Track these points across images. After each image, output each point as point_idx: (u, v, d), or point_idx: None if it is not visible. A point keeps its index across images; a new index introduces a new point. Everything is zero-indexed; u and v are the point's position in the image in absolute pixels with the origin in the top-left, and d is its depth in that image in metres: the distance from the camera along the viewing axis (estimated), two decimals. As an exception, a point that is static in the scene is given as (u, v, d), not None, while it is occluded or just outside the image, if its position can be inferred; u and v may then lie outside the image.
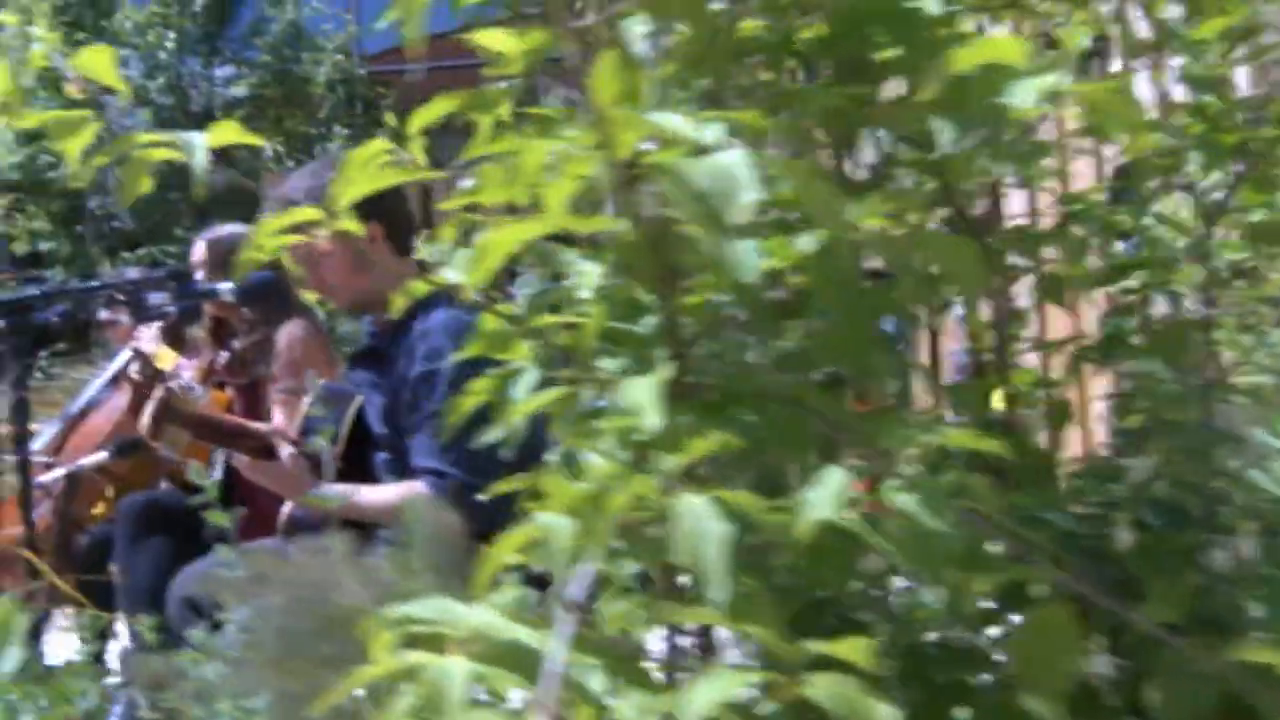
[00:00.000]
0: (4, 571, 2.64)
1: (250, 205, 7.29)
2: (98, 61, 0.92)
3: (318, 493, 2.58)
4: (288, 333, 3.39)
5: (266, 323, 3.42)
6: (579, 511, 0.63)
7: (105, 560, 3.63)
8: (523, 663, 0.60)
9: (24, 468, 2.64)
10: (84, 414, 4.31)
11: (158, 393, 2.50)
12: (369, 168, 1.06)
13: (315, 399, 2.25)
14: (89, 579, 3.40)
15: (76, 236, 9.37)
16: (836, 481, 0.67)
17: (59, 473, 3.82)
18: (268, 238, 0.86)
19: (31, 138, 9.36)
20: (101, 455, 3.83)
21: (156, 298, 2.92)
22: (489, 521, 1.67)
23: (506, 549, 0.68)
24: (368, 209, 2.81)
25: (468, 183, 0.86)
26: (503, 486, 1.25)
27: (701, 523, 0.59)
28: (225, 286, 2.80)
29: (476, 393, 0.86)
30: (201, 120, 9.98)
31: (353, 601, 1.11)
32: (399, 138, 1.09)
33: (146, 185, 0.91)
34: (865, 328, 0.70)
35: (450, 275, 0.87)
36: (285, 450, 2.61)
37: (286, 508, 2.74)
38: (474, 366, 2.72)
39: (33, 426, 3.00)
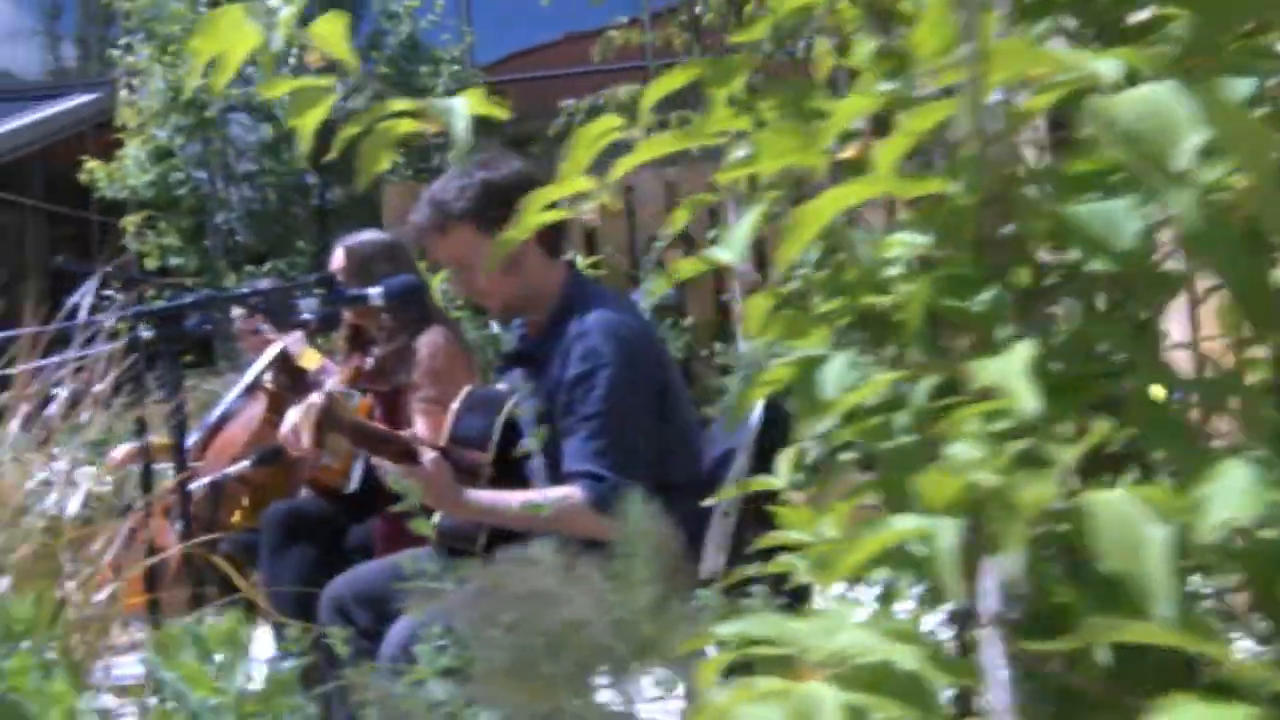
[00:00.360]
0: (164, 582, 2.63)
1: (371, 216, 7.34)
2: (331, 32, 0.86)
3: (466, 498, 2.53)
4: (428, 341, 3.36)
5: (406, 330, 3.40)
6: (968, 510, 0.53)
7: (245, 568, 3.64)
8: (904, 689, 0.51)
9: (183, 480, 2.64)
10: (221, 424, 4.35)
11: (317, 398, 2.47)
12: (598, 143, 0.98)
13: (515, 399, 2.19)
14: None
15: (203, 251, 9.60)
16: (1243, 477, 0.56)
17: (203, 482, 3.85)
18: (534, 213, 0.78)
19: (161, 156, 9.63)
20: (244, 464, 3.84)
21: (305, 303, 2.90)
22: None
23: (861, 554, 0.59)
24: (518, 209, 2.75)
25: (741, 153, 0.78)
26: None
27: (1133, 524, 0.50)
28: (374, 291, 2.76)
29: (768, 382, 0.77)
30: (321, 133, 10.13)
31: (577, 615, 1.04)
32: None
33: (386, 162, 0.85)
34: (1265, 290, 0.60)
35: (720, 254, 0.78)
36: (428, 456, 2.57)
37: (436, 517, 2.70)
38: (634, 369, 2.65)
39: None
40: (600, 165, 0.96)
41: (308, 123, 0.86)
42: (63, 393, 1.61)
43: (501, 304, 2.67)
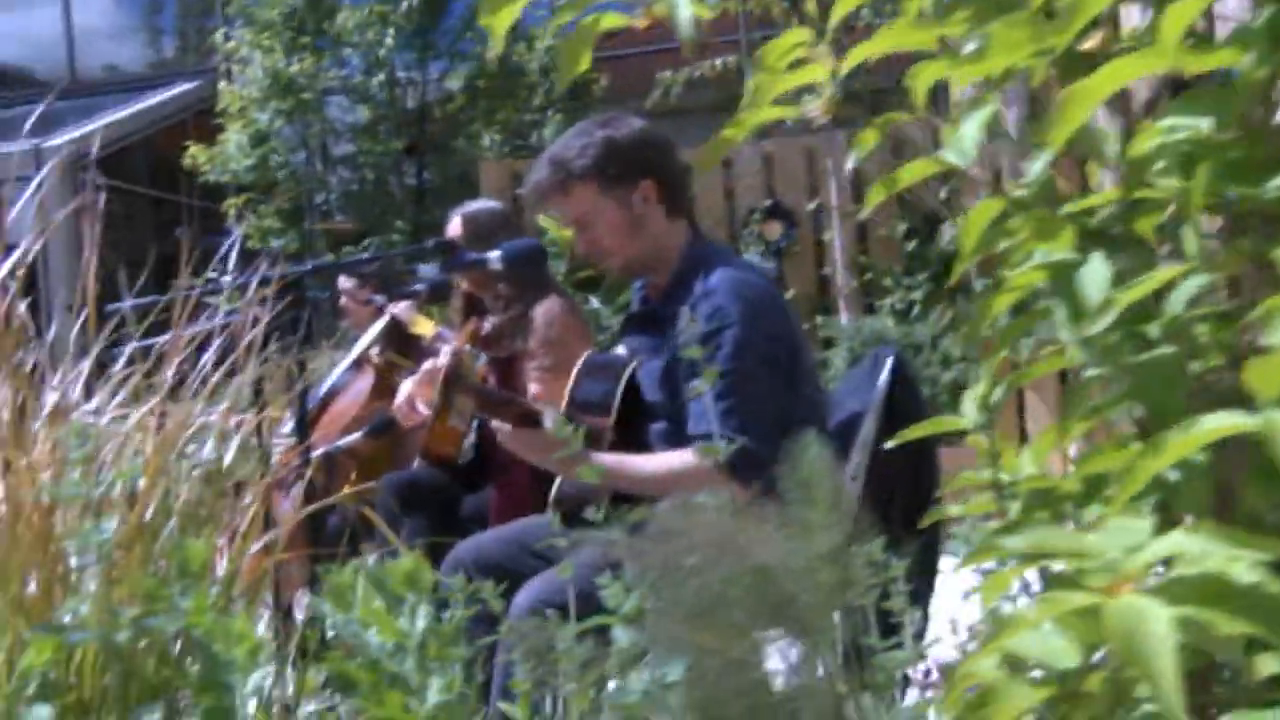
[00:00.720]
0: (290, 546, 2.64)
1: (468, 195, 7.36)
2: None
3: (592, 461, 2.49)
4: (545, 309, 3.33)
5: (522, 299, 3.37)
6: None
7: (354, 540, 3.65)
8: (1247, 602, 0.45)
9: (304, 450, 2.63)
10: (329, 398, 4.37)
11: (442, 359, 2.45)
12: (788, 55, 0.93)
13: (635, 362, 2.13)
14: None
15: (304, 232, 9.75)
16: None
17: (316, 453, 3.86)
18: (758, 111, 0.73)
19: (261, 140, 9.79)
20: (356, 435, 3.85)
21: (422, 270, 2.90)
22: (770, 488, 1.53)
23: (1164, 460, 0.52)
24: (640, 167, 2.68)
25: (970, 46, 0.72)
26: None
27: None
28: (493, 255, 2.73)
29: (1014, 289, 0.71)
30: (417, 117, 10.23)
31: (759, 560, 0.99)
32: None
33: (586, 62, 0.80)
34: None
35: (950, 157, 0.72)
36: (550, 418, 2.54)
37: (556, 483, 2.67)
38: (760, 329, 2.58)
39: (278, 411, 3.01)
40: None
41: (501, 20, 0.81)
42: (214, 344, 1.62)
43: (624, 264, 2.62)
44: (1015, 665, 0.61)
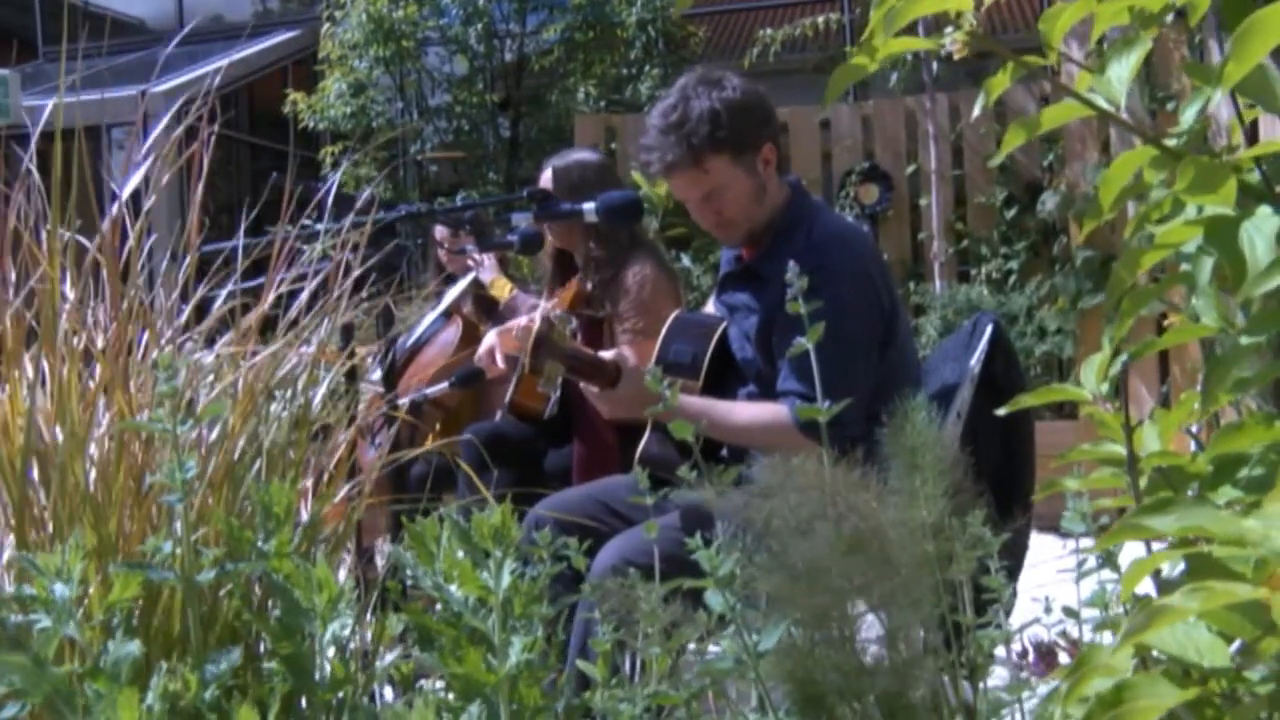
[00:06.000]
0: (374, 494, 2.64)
1: (561, 148, 7.33)
2: None
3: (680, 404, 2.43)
4: (637, 270, 3.25)
5: (613, 258, 3.29)
6: None
7: (437, 489, 3.65)
8: None
9: (390, 399, 2.63)
10: (417, 348, 4.38)
11: (533, 321, 2.41)
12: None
13: (727, 322, 2.06)
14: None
15: (397, 182, 9.81)
16: None
17: (403, 402, 3.87)
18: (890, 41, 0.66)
19: (360, 89, 9.86)
20: (442, 386, 3.85)
21: (516, 218, 2.84)
22: (854, 451, 1.46)
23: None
24: (765, 130, 2.57)
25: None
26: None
27: None
28: (588, 206, 2.67)
29: (1163, 246, 0.64)
30: (513, 70, 10.20)
31: (863, 526, 0.94)
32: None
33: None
34: None
35: (1100, 100, 0.65)
36: (631, 364, 2.51)
37: (642, 442, 2.63)
38: (859, 289, 2.49)
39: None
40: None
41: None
42: (309, 286, 1.60)
43: (747, 232, 2.52)
44: (1145, 660, 0.56)
